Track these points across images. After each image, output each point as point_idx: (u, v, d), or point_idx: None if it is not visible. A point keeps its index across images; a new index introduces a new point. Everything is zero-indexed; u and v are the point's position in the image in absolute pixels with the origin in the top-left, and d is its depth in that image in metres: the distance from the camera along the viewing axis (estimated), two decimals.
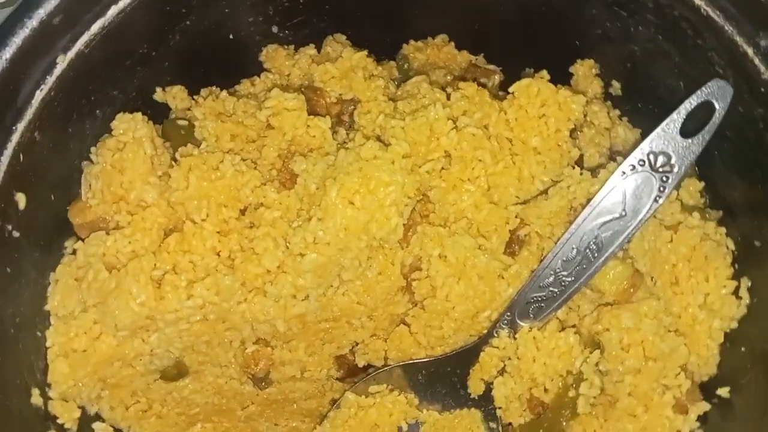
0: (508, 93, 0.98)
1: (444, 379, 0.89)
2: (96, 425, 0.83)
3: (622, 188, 0.76)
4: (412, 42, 1.03)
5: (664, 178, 0.75)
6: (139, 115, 0.84)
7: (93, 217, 0.83)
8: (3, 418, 0.64)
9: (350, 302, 0.84)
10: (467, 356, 0.86)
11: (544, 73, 0.87)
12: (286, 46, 0.98)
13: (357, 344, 0.91)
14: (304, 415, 0.99)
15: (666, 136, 0.75)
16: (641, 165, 0.75)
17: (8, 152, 0.73)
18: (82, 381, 0.78)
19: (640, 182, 0.76)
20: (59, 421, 0.76)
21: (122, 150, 0.82)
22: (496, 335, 0.84)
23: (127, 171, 0.81)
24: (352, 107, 0.91)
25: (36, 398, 0.74)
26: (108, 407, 0.84)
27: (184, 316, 0.78)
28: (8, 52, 0.73)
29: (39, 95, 0.77)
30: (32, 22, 0.75)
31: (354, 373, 0.94)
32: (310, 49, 0.98)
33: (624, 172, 0.76)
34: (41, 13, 0.76)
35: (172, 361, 0.84)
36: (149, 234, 0.81)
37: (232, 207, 0.82)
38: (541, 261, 0.81)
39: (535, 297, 0.81)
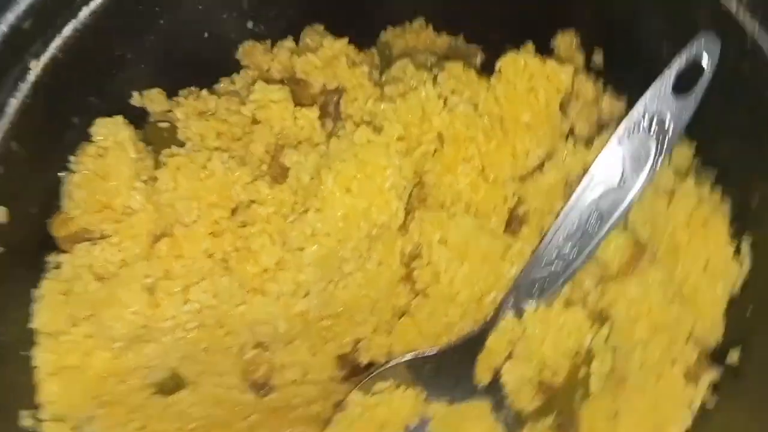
0: (492, 72, 0.98)
1: (451, 369, 0.86)
2: None
3: (620, 155, 0.76)
4: (390, 28, 1.02)
5: (661, 141, 0.75)
6: (119, 118, 0.81)
7: (77, 228, 0.79)
8: None
9: (352, 296, 0.81)
10: (473, 344, 0.84)
11: (529, 46, 0.86)
12: (262, 42, 0.96)
13: (359, 341, 0.88)
14: (308, 421, 0.95)
15: (659, 97, 0.74)
16: (636, 129, 0.75)
17: None
18: (75, 400, 0.74)
19: (636, 147, 0.75)
20: None
21: (104, 156, 0.79)
22: (501, 318, 0.82)
23: (111, 177, 0.78)
24: (337, 97, 0.89)
25: (27, 421, 0.69)
26: (102, 427, 0.79)
27: (181, 322, 0.75)
28: None
29: (14, 103, 0.74)
30: (1, 27, 0.72)
31: (357, 373, 0.91)
32: (289, 42, 0.96)
33: (620, 139, 0.76)
34: (10, 17, 0.73)
35: (169, 372, 0.81)
36: (138, 241, 0.78)
37: (223, 206, 0.80)
38: (543, 238, 0.80)
39: (540, 277, 0.80)
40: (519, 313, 0.81)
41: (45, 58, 0.76)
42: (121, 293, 0.73)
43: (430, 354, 0.86)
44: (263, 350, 0.84)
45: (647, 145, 0.75)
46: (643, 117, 0.75)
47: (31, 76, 0.75)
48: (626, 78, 0.92)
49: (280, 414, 0.93)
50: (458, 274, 0.79)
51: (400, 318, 0.86)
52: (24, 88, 0.75)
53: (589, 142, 0.82)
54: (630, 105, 0.92)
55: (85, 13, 0.78)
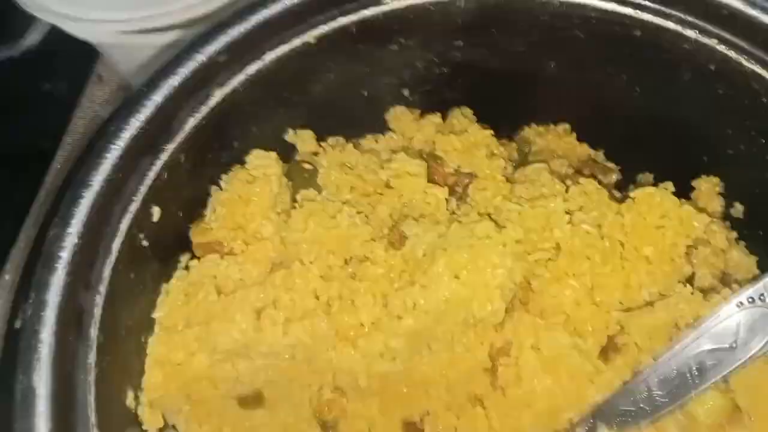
0: (622, 193, 0.99)
1: None
2: None
3: (737, 319, 0.74)
4: (533, 125, 1.06)
5: None
6: (274, 154, 0.90)
7: (212, 238, 0.88)
8: (106, 416, 0.68)
9: (433, 372, 0.84)
10: None
11: (669, 185, 0.87)
12: (412, 110, 1.03)
13: (428, 413, 0.91)
14: None
15: None
16: (762, 300, 0.73)
17: (156, 168, 0.80)
18: (171, 392, 0.82)
19: (757, 317, 0.73)
20: (143, 427, 0.80)
21: (252, 183, 0.87)
22: None
23: (252, 203, 0.87)
24: (467, 180, 0.93)
25: (130, 401, 0.78)
26: (184, 421, 0.87)
27: (276, 351, 0.81)
28: (176, 80, 0.81)
29: (191, 122, 0.83)
30: (201, 57, 0.83)
31: None
32: (436, 117, 1.01)
33: (741, 303, 0.74)
34: (210, 49, 0.83)
35: (253, 390, 0.87)
36: (258, 265, 0.85)
37: (339, 255, 0.85)
38: (638, 374, 0.79)
39: (624, 409, 0.79)
40: None
41: (227, 88, 0.86)
42: (233, 312, 0.80)
43: None
44: (340, 395, 0.88)
45: None
46: None
47: (212, 102, 0.85)
48: (764, 238, 0.89)
49: None
50: (540, 385, 0.80)
51: (473, 406, 0.87)
52: (203, 110, 0.85)
53: (708, 294, 0.80)
54: (761, 266, 0.90)
55: (270, 57, 0.88)
